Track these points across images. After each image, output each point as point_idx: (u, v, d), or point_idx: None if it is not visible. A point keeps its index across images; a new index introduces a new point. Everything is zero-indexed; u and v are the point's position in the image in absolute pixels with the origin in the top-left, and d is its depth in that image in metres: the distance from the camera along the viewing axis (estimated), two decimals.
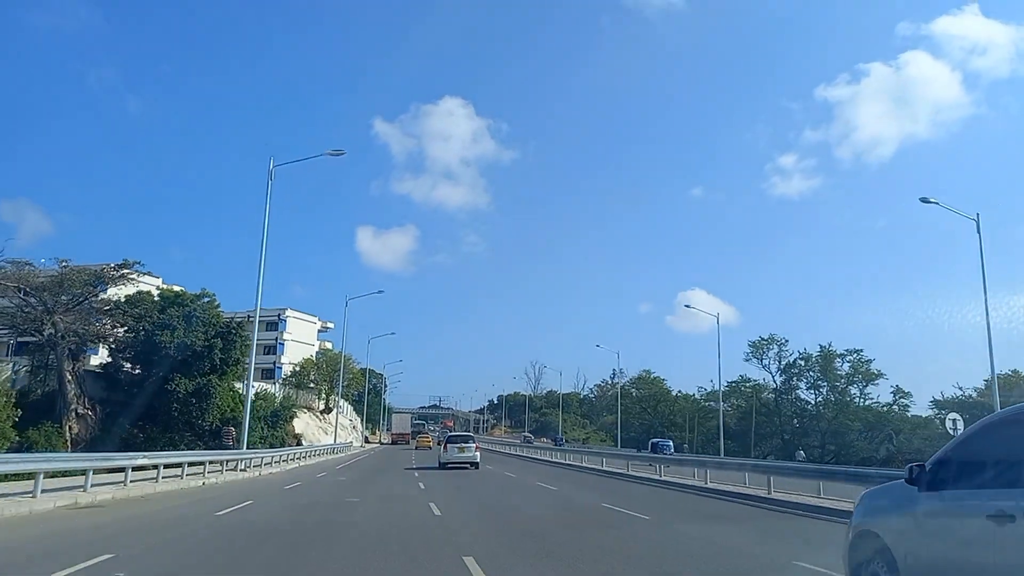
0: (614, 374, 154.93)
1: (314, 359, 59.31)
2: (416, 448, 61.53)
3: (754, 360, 64.85)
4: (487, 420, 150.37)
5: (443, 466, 30.43)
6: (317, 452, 39.81)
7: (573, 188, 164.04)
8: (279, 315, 66.22)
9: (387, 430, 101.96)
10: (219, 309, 37.14)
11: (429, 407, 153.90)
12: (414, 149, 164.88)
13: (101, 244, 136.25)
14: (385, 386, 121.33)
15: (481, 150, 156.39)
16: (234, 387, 38.59)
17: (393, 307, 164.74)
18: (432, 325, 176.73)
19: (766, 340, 59.60)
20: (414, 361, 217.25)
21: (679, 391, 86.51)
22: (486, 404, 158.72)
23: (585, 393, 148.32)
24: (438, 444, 43.54)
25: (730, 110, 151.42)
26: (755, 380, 66.31)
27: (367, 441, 76.75)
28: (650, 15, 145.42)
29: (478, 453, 31.17)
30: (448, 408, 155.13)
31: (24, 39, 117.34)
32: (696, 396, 79.81)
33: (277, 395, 46.24)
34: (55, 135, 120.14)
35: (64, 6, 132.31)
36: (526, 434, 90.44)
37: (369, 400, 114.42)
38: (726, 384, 64.84)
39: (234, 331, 35.67)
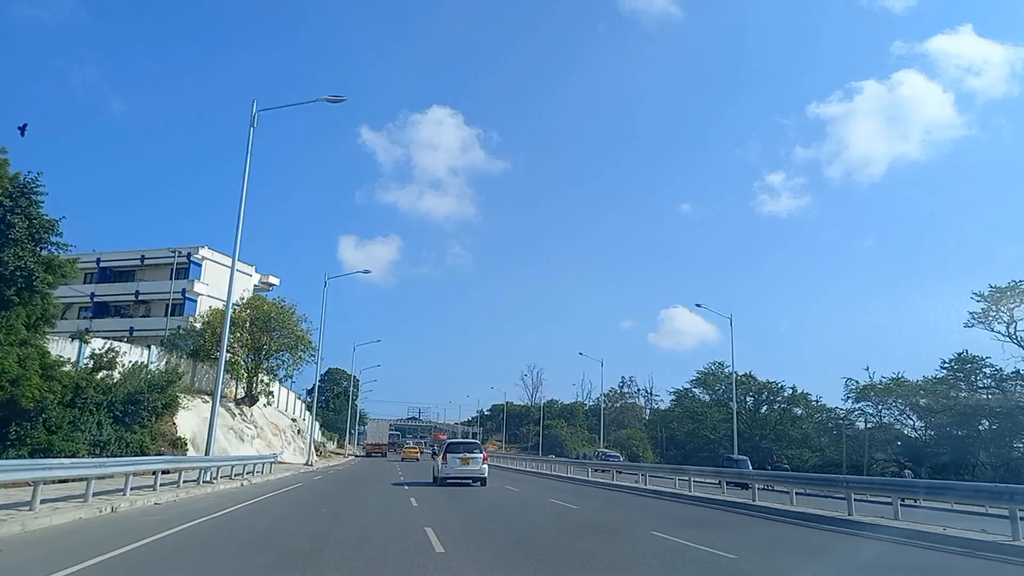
0: (623, 382, 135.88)
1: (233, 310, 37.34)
2: (403, 460, 57.85)
3: (981, 325, 40.41)
4: (476, 433, 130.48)
5: (440, 482, 24.10)
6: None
7: (562, 201, 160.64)
8: (189, 255, 44.53)
9: (357, 443, 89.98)
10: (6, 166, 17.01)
11: (407, 419, 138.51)
12: (401, 158, 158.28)
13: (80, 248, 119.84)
14: (357, 390, 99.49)
15: (470, 160, 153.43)
16: (36, 342, 18.33)
17: (373, 318, 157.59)
18: (413, 337, 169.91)
19: (1003, 290, 37.26)
20: (392, 374, 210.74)
21: (792, 388, 64.97)
22: (476, 415, 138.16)
23: (591, 403, 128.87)
24: (430, 456, 35.08)
25: (723, 124, 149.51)
26: (985, 359, 41.39)
27: (322, 454, 55.41)
28: (646, 25, 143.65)
29: (486, 466, 24.52)
30: (429, 420, 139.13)
31: (4, 30, 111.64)
32: (815, 399, 58.77)
33: (150, 365, 25.78)
34: (34, 133, 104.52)
35: None
36: (603, 450, 68.98)
37: (337, 405, 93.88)
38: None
39: (21, 205, 15.51)
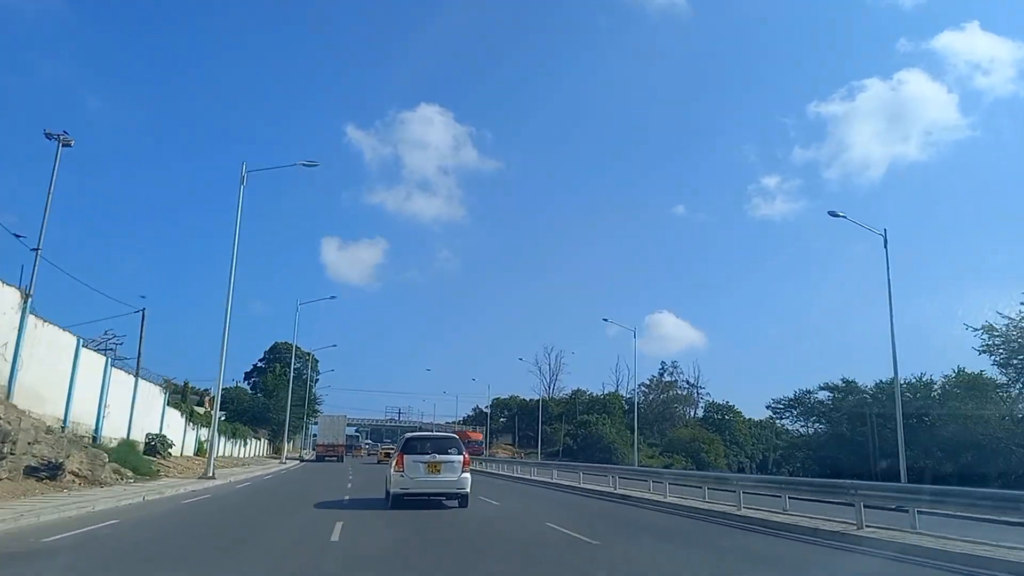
0: (663, 369, 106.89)
1: None
2: (378, 462, 49.54)
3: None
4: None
5: (396, 501, 16.69)
6: None
7: (553, 202, 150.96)
8: None
9: (304, 445, 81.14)
10: None
11: (386, 420, 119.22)
12: (389, 157, 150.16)
13: (69, 253, 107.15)
14: (315, 370, 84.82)
15: (462, 159, 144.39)
16: None
17: (354, 322, 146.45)
18: (397, 342, 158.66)
19: None
20: (374, 379, 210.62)
21: None
22: (471, 412, 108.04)
23: (628, 394, 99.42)
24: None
25: (722, 123, 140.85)
26: None
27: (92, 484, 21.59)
28: (651, 15, 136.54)
29: (467, 474, 16.96)
30: (415, 421, 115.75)
31: None
32: None
33: None
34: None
35: None
36: None
37: (276, 387, 64.55)
38: None
39: None
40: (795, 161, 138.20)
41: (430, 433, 24.79)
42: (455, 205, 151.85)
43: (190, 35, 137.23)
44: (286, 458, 53.57)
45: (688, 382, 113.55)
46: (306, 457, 69.62)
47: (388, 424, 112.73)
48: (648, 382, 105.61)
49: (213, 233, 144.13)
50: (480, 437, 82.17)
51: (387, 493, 17.53)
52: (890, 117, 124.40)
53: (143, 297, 32.79)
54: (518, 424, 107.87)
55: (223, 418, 61.73)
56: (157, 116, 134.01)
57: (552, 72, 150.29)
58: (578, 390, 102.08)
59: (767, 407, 70.86)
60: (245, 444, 56.70)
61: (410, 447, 17.02)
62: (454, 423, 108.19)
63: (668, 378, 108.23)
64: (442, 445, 17.23)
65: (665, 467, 72.06)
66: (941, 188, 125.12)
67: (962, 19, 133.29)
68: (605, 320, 49.58)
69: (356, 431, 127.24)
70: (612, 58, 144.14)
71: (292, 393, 65.39)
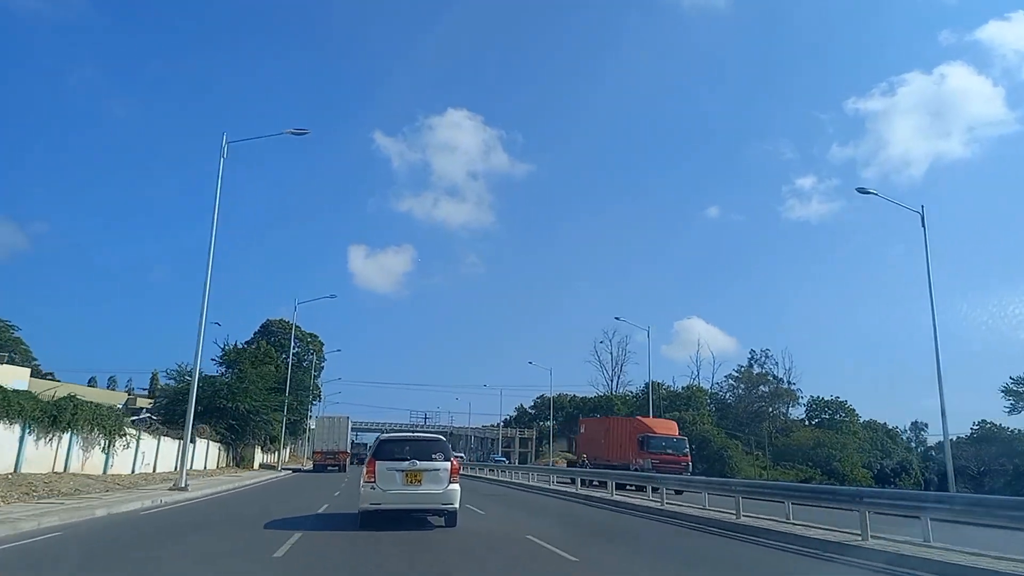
0: (753, 357, 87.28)
1: None
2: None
3: None
4: (529, 441, 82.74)
5: (368, 519, 13.97)
6: None
7: (587, 203, 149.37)
8: None
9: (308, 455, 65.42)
10: None
11: (410, 425, 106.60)
12: (417, 163, 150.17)
13: (79, 257, 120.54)
14: (319, 357, 66.03)
15: (492, 164, 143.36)
16: None
17: (385, 330, 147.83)
18: (424, 349, 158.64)
19: None
20: (401, 385, 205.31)
21: None
22: (514, 412, 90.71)
23: (712, 387, 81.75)
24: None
25: (759, 121, 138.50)
26: None
27: None
28: (684, 10, 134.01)
29: (455, 486, 14.31)
30: (444, 426, 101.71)
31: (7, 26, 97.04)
32: None
33: None
34: (30, 140, 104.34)
35: None
36: None
37: (252, 360, 46.22)
38: None
39: None
40: (833, 159, 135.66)
41: (410, 435, 20.28)
42: (484, 210, 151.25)
43: (215, 43, 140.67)
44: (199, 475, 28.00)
45: (775, 376, 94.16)
46: (302, 467, 57.36)
47: (414, 430, 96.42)
48: (737, 372, 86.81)
49: (221, 231, 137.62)
50: (675, 431, 40.79)
51: (359, 510, 14.71)
52: (932, 112, 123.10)
53: None
54: (572, 427, 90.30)
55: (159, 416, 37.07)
56: (181, 122, 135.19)
57: (584, 71, 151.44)
58: (655, 382, 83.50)
59: (1002, 391, 52.10)
60: (125, 448, 26.96)
61: (384, 452, 14.45)
62: (497, 426, 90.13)
63: (758, 369, 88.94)
64: (424, 449, 14.55)
65: (804, 481, 52.56)
66: (986, 185, 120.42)
67: (1008, 8, 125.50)
68: (862, 191, 30.59)
69: (378, 438, 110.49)
70: (645, 55, 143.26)
71: (273, 376, 46.72)
